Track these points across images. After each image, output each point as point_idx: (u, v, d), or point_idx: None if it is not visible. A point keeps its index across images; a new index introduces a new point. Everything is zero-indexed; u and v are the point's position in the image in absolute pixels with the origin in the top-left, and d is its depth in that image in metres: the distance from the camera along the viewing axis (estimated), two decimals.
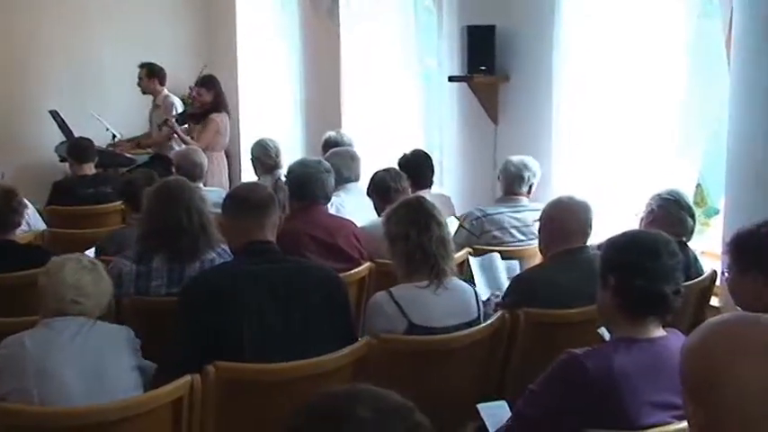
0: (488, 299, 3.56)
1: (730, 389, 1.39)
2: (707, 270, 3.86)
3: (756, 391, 1.38)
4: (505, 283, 3.77)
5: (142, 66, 8.04)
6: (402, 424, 1.26)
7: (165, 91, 8.09)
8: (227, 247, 3.43)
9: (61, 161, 7.40)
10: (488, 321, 3.18)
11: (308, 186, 4.18)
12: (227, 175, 7.67)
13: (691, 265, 3.76)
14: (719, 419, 1.40)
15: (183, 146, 7.11)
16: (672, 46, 4.90)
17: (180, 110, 7.95)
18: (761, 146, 3.86)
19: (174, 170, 5.55)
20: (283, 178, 4.79)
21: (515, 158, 4.88)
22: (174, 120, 7.68)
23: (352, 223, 4.33)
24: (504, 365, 3.30)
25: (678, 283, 2.43)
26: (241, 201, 3.13)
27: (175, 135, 7.63)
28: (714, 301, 3.98)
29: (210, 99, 7.54)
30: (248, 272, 2.93)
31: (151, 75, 8.01)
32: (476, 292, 3.30)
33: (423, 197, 3.44)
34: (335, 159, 5.01)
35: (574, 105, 5.35)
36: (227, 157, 7.76)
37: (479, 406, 2.83)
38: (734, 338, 1.45)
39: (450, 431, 3.15)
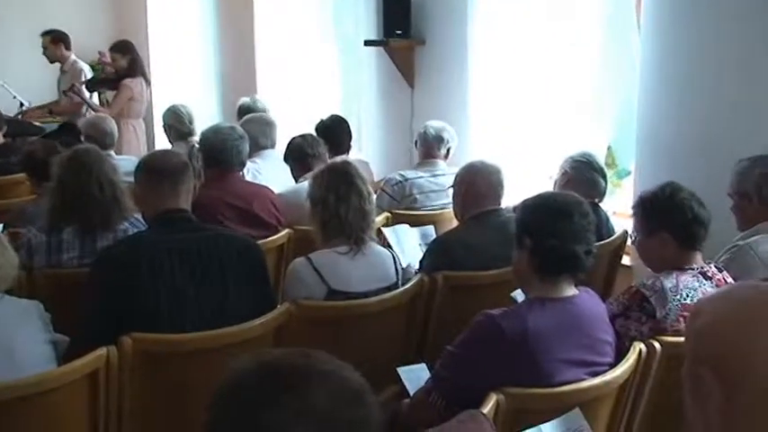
0: (408, 264, 3.58)
1: (756, 370, 1.30)
2: (618, 230, 3.96)
3: None
4: (418, 253, 3.81)
5: (45, 34, 7.76)
6: (350, 414, 1.22)
7: (73, 57, 7.84)
8: (140, 217, 3.36)
9: None
10: (407, 285, 3.20)
11: (223, 153, 4.13)
12: (145, 143, 7.50)
13: (603, 226, 3.86)
14: (746, 402, 1.32)
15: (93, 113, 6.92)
16: (586, 12, 4.97)
17: (89, 76, 7.72)
18: (669, 109, 3.97)
19: (83, 139, 5.40)
20: (197, 145, 4.71)
21: (433, 123, 4.91)
22: (81, 85, 7.45)
23: (269, 190, 4.30)
24: (424, 328, 3.33)
25: (590, 242, 2.49)
26: (153, 169, 3.05)
27: (88, 105, 7.42)
28: (626, 261, 4.10)
29: (126, 64, 7.34)
30: (162, 241, 2.87)
31: (55, 41, 7.75)
32: (395, 258, 3.31)
33: (350, 163, 3.41)
34: (251, 126, 4.95)
35: (489, 69, 5.40)
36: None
37: (399, 369, 2.86)
38: (762, 313, 1.35)
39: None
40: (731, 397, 1.33)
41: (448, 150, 4.87)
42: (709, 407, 1.36)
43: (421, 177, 4.71)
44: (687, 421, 1.43)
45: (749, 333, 1.34)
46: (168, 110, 5.94)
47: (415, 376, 2.79)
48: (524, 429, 2.17)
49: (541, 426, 2.16)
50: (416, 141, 4.94)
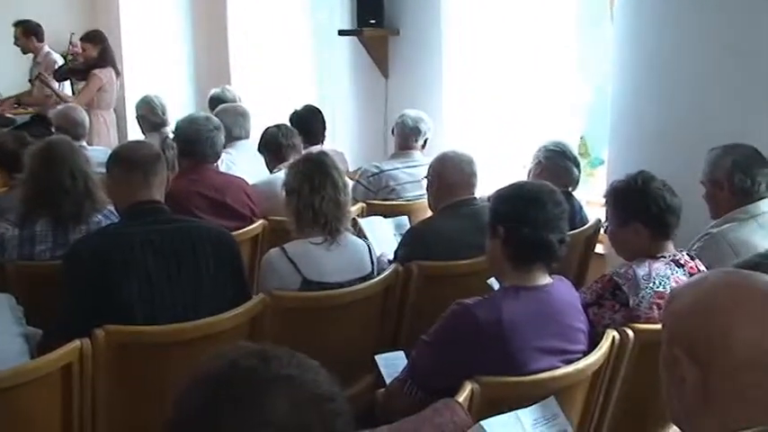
0: (381, 254, 3.59)
1: (734, 350, 1.37)
2: (592, 219, 3.99)
3: (758, 354, 1.37)
4: (393, 243, 3.81)
5: (16, 24, 7.66)
6: (319, 418, 1.18)
7: (46, 48, 7.75)
8: (113, 209, 3.34)
9: None
10: (382, 275, 3.21)
11: (197, 144, 4.10)
12: (115, 135, 7.43)
13: (576, 214, 3.89)
14: (720, 381, 1.38)
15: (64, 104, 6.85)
16: (559, 2, 4.99)
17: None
18: (642, 99, 3.99)
19: (54, 130, 5.34)
20: (171, 136, 4.68)
21: (411, 112, 4.90)
22: (49, 75, 7.37)
23: (243, 181, 4.28)
24: (399, 318, 3.34)
25: (563, 231, 2.50)
26: (126, 160, 3.03)
27: (56, 95, 7.34)
28: (599, 249, 4.13)
29: (96, 54, 7.27)
30: (135, 233, 2.85)
31: (27, 33, 7.65)
32: (370, 248, 3.31)
33: (327, 154, 3.40)
34: (225, 116, 4.92)
35: (464, 59, 5.41)
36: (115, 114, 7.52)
37: (377, 357, 2.87)
38: (740, 297, 1.41)
39: (349, 384, 3.19)
40: (706, 377, 1.39)
41: (425, 141, 4.88)
42: (684, 387, 1.41)
43: (396, 169, 4.71)
44: (665, 401, 1.47)
45: (723, 316, 1.39)
46: (141, 100, 5.88)
47: (392, 363, 2.79)
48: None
49: (517, 411, 2.18)
50: (393, 129, 4.94)
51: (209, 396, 1.18)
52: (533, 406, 2.22)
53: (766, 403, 1.37)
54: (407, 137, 4.83)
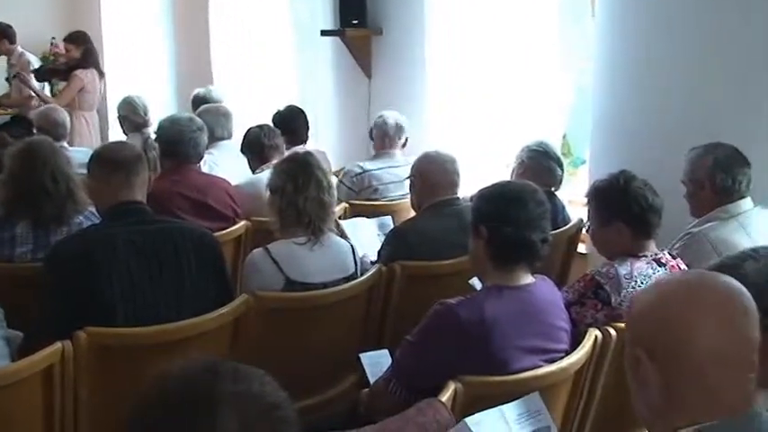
0: (364, 255, 3.59)
1: (692, 349, 1.41)
2: (574, 218, 4.00)
3: (715, 351, 1.41)
4: (377, 243, 3.82)
5: None
6: (268, 427, 1.20)
7: (19, 49, 7.69)
8: (94, 210, 3.32)
9: None
10: (365, 275, 3.21)
11: (180, 145, 4.09)
12: (98, 136, 7.39)
13: (558, 214, 3.90)
14: (680, 378, 1.42)
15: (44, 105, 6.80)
16: (541, 2, 5.00)
17: (36, 66, 7.58)
18: (623, 98, 4.01)
19: (35, 131, 5.31)
20: (153, 136, 4.66)
21: (389, 113, 4.91)
22: (27, 74, 7.32)
23: (226, 181, 4.27)
24: (382, 318, 3.34)
25: (545, 230, 2.51)
26: (107, 160, 3.01)
27: (35, 94, 7.30)
28: (581, 248, 4.14)
29: (79, 55, 7.22)
30: (117, 234, 2.83)
31: None
32: (353, 248, 3.31)
33: (312, 154, 3.40)
34: (207, 117, 4.91)
35: (446, 59, 5.42)
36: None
37: (361, 355, 2.87)
38: (695, 298, 1.46)
39: (332, 384, 3.19)
40: (668, 377, 1.43)
41: (405, 140, 4.88)
42: (649, 387, 1.46)
43: (380, 169, 4.72)
44: (633, 401, 1.49)
45: (680, 316, 1.44)
46: (123, 101, 5.86)
47: (376, 362, 2.80)
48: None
49: (502, 407, 2.19)
50: (372, 131, 4.94)
51: (160, 419, 1.19)
52: (517, 401, 2.23)
53: (727, 396, 1.42)
54: (390, 137, 4.83)
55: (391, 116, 4.88)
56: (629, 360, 1.50)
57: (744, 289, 1.49)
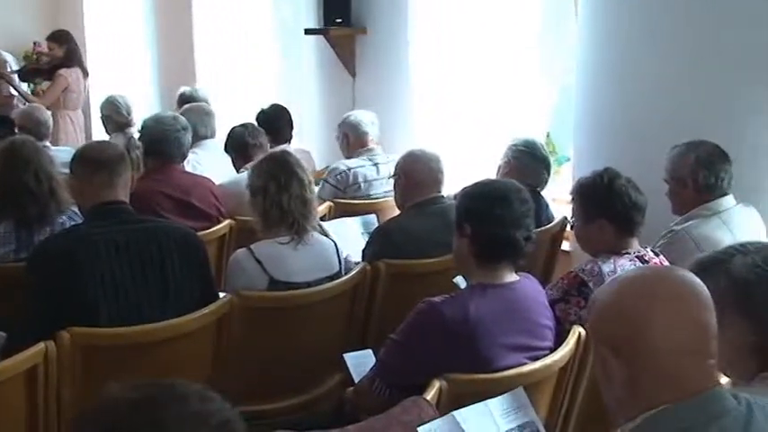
0: (347, 256, 3.60)
1: (651, 342, 1.45)
2: (558, 216, 4.01)
3: (672, 342, 1.45)
4: (361, 242, 3.82)
5: None
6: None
7: None
8: (77, 210, 3.30)
9: None
10: (349, 274, 3.21)
11: (164, 144, 4.07)
12: (83, 135, 7.34)
13: (543, 212, 3.91)
14: (643, 371, 1.46)
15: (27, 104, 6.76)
16: (525, 2, 5.01)
17: (14, 66, 7.53)
18: (606, 96, 4.02)
19: (17, 131, 5.28)
20: (137, 135, 4.64)
21: (358, 113, 4.93)
22: (13, 74, 7.27)
23: (210, 180, 4.25)
24: (367, 316, 3.34)
25: (529, 229, 2.52)
26: (90, 160, 2.99)
27: (16, 92, 7.25)
28: (566, 246, 4.15)
29: (62, 54, 7.18)
30: (100, 234, 2.82)
31: None
32: (337, 247, 3.31)
33: (289, 152, 3.42)
34: (190, 116, 4.89)
35: (431, 57, 5.42)
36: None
37: (345, 355, 2.86)
38: (649, 293, 1.50)
39: (317, 383, 3.19)
40: (631, 370, 1.48)
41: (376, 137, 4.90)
42: (615, 383, 1.50)
43: (363, 166, 4.72)
44: (604, 399, 1.56)
45: (638, 311, 1.48)
46: (106, 100, 5.84)
47: (360, 362, 2.80)
48: None
49: (488, 401, 2.20)
50: (346, 135, 4.90)
51: None
52: (502, 396, 2.24)
53: (688, 383, 1.46)
54: (368, 135, 4.83)
55: (360, 114, 4.91)
56: (597, 358, 1.55)
57: (697, 279, 1.53)
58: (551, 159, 4.41)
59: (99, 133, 6.85)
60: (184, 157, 4.27)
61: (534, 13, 5.01)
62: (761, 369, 1.77)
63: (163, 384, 1.21)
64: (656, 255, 2.92)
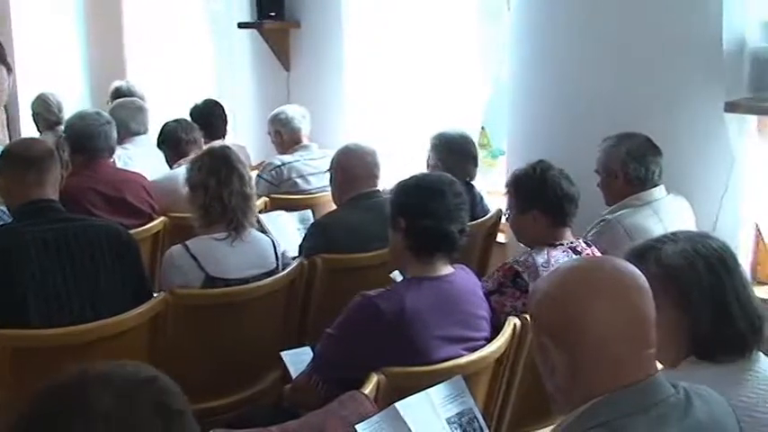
0: (284, 251, 3.58)
1: (590, 330, 1.47)
2: (493, 209, 4.05)
3: (611, 330, 1.47)
4: (298, 237, 3.80)
5: None
6: (148, 398, 1.16)
7: None
8: (5, 209, 3.22)
9: None
10: (286, 270, 3.19)
11: (91, 140, 3.99)
12: (6, 133, 7.15)
13: (477, 205, 3.93)
14: (583, 359, 1.48)
15: None
16: None
17: None
18: (539, 89, 4.08)
19: None
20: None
21: (286, 108, 4.91)
22: None
23: (142, 176, 4.19)
24: (305, 312, 3.33)
25: (463, 221, 2.53)
26: (17, 158, 2.93)
27: None
28: (501, 238, 4.19)
29: None
30: (29, 233, 2.76)
31: None
32: (274, 243, 3.29)
33: (229, 147, 3.38)
34: (121, 111, 4.81)
35: (365, 51, 5.41)
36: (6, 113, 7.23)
37: (283, 353, 2.84)
38: (587, 282, 1.52)
39: (256, 380, 3.16)
40: (571, 358, 1.50)
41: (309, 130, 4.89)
42: (556, 372, 1.53)
43: (298, 161, 4.69)
44: (546, 387, 1.57)
45: (575, 300, 1.50)
46: (37, 98, 5.73)
47: (298, 359, 2.78)
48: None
49: (428, 390, 2.21)
50: (278, 132, 4.87)
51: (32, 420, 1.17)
52: (442, 384, 2.26)
53: (627, 371, 1.48)
54: (300, 130, 4.82)
55: (290, 110, 4.89)
56: (538, 348, 1.57)
57: (636, 269, 1.56)
58: (486, 152, 4.45)
59: (28, 131, 6.68)
60: (113, 150, 4.18)
61: (468, 6, 5.03)
62: (689, 353, 1.82)
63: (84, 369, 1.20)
64: (589, 245, 2.97)
